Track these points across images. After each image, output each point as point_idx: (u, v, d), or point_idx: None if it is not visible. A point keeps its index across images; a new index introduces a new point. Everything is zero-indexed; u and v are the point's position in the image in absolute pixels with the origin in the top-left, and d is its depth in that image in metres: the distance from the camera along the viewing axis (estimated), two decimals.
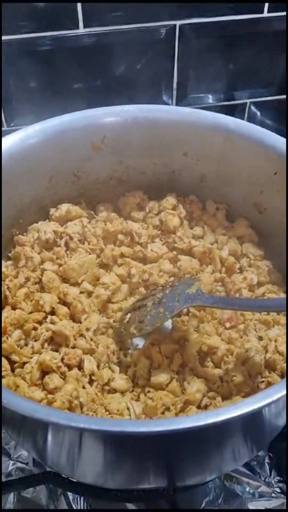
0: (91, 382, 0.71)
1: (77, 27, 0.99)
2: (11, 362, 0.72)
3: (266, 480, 0.77)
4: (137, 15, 1.00)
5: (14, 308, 0.76)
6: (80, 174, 0.87)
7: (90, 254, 0.84)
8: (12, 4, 0.93)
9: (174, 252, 0.86)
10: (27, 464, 0.79)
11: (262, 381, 0.68)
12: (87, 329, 0.75)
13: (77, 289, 0.81)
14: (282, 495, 0.75)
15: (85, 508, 0.73)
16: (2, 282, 0.77)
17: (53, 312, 0.78)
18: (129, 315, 0.75)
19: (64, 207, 0.86)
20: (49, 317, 0.77)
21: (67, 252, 0.83)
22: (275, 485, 0.77)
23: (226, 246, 0.85)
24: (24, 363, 0.72)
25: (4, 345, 0.71)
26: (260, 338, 0.73)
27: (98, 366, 0.72)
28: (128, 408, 0.68)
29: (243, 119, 1.17)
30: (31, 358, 0.72)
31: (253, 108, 1.21)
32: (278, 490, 0.76)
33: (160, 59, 1.07)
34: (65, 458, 0.60)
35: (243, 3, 1.03)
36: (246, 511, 0.74)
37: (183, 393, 0.69)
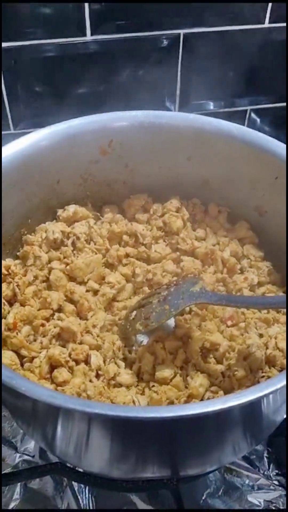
0: (97, 376, 0.73)
1: (85, 35, 1.02)
2: (20, 357, 0.74)
3: (265, 473, 0.80)
4: (143, 23, 1.03)
5: (23, 305, 0.79)
6: (87, 176, 0.89)
7: (96, 254, 0.86)
8: (22, 11, 0.96)
9: (177, 253, 0.89)
10: (33, 456, 0.81)
11: (263, 376, 0.70)
12: (94, 326, 0.77)
13: (83, 287, 0.83)
14: (280, 488, 0.78)
15: (90, 498, 0.76)
16: (12, 280, 0.80)
17: (60, 310, 0.80)
18: (134, 312, 0.77)
19: (72, 208, 0.88)
20: (56, 314, 0.79)
21: (74, 251, 0.86)
22: (273, 478, 0.80)
23: (227, 248, 0.88)
24: (33, 358, 0.74)
25: (14, 340, 0.73)
26: (261, 336, 0.76)
27: (104, 361, 0.75)
28: (133, 402, 0.70)
29: (243, 125, 1.20)
30: (40, 353, 0.75)
31: (253, 115, 1.24)
32: (277, 483, 0.79)
33: (164, 66, 1.10)
34: (73, 447, 0.62)
35: (245, 14, 1.06)
36: (244, 511, 0.77)
37: (186, 387, 0.71)
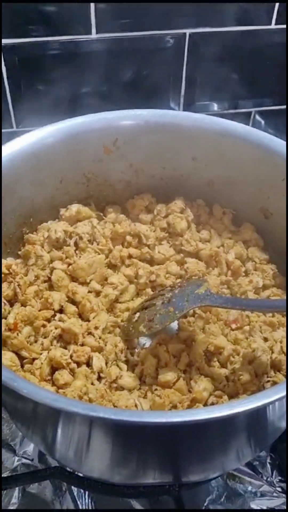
0: (99, 379, 0.72)
1: (90, 33, 1.01)
2: (21, 358, 0.73)
3: (268, 479, 0.79)
4: (148, 23, 1.02)
5: (24, 305, 0.77)
6: (91, 175, 0.88)
7: (99, 254, 0.85)
8: (27, 8, 0.95)
9: (181, 254, 0.88)
10: (32, 460, 0.80)
11: (268, 381, 0.69)
12: (96, 327, 0.76)
13: (85, 288, 0.82)
14: (283, 495, 0.77)
15: (89, 503, 0.74)
16: (13, 279, 0.78)
17: (61, 310, 0.79)
18: (138, 314, 0.76)
19: (74, 208, 0.87)
20: (58, 315, 0.78)
21: (77, 251, 0.84)
22: (276, 485, 0.78)
23: (232, 250, 0.87)
24: (34, 359, 0.73)
25: (14, 341, 0.72)
26: (266, 339, 0.74)
27: (106, 364, 0.74)
28: (136, 405, 0.69)
29: None
30: (41, 354, 0.73)
31: (257, 116, 1.23)
32: (280, 490, 0.78)
33: (169, 66, 1.09)
34: (74, 451, 0.61)
35: (252, 15, 1.06)
36: (248, 511, 0.75)
37: (190, 391, 0.70)
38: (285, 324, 0.77)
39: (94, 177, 0.89)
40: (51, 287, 0.81)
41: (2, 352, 0.71)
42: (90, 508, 0.74)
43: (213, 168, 0.88)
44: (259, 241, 0.88)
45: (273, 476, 0.79)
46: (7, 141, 0.78)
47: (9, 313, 0.75)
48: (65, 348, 0.74)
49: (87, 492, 0.74)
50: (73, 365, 0.72)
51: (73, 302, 0.80)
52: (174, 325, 0.78)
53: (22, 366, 0.73)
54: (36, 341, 0.75)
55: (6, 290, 0.77)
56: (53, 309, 0.78)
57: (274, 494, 0.77)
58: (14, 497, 0.75)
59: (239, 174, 0.86)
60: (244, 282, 0.83)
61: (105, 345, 0.75)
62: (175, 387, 0.70)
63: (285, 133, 1.18)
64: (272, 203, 0.85)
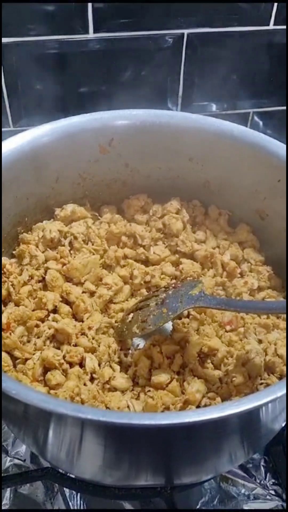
0: (92, 380, 0.72)
1: (87, 32, 1.01)
2: (13, 358, 0.73)
3: (261, 482, 0.78)
4: (146, 22, 1.02)
5: (17, 305, 0.77)
6: (86, 175, 0.88)
7: (93, 254, 0.84)
8: (24, 7, 0.95)
9: (176, 255, 0.87)
10: (24, 461, 0.79)
11: (262, 383, 0.69)
12: (89, 328, 0.76)
13: (80, 288, 0.81)
14: (276, 498, 0.76)
15: (81, 505, 0.74)
16: (7, 279, 0.78)
17: (55, 310, 0.79)
18: (131, 315, 0.76)
19: (69, 208, 0.87)
20: (52, 315, 0.77)
21: (71, 251, 0.84)
22: (270, 488, 0.78)
23: (227, 251, 0.87)
24: (26, 359, 0.73)
25: (7, 341, 0.71)
26: (260, 341, 0.74)
27: (99, 365, 0.73)
28: (128, 406, 0.68)
29: None
30: (33, 354, 0.73)
31: (256, 117, 1.23)
32: (273, 493, 0.77)
33: (166, 66, 1.09)
34: (65, 452, 0.61)
35: (250, 15, 1.05)
36: (242, 511, 0.75)
37: (183, 393, 0.70)
38: (280, 326, 0.76)
39: (89, 177, 0.88)
40: (45, 287, 0.81)
41: None
42: (81, 508, 0.73)
43: (210, 169, 0.87)
44: (255, 242, 0.88)
45: (267, 479, 0.78)
46: (3, 140, 0.78)
47: (2, 312, 0.74)
48: (58, 348, 0.74)
49: (79, 494, 0.74)
50: (66, 366, 0.71)
51: (67, 302, 0.80)
52: (169, 326, 0.78)
53: (14, 366, 0.72)
54: (29, 341, 0.75)
55: None
56: (47, 309, 0.78)
57: (268, 497, 0.76)
58: (5, 498, 0.75)
59: (236, 175, 0.85)
60: (240, 283, 0.82)
61: (99, 346, 0.75)
62: (168, 389, 0.70)
63: (283, 134, 1.18)
64: (268, 204, 0.84)
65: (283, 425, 0.67)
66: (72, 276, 0.81)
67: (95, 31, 1.01)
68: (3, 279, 0.78)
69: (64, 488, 0.74)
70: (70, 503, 0.74)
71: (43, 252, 0.83)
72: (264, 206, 0.85)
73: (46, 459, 0.68)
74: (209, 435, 0.54)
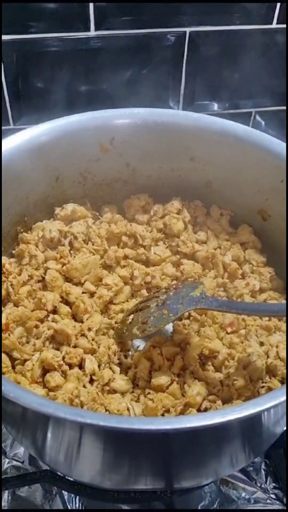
0: (91, 381, 0.71)
1: (88, 30, 1.00)
2: (12, 359, 0.72)
3: (262, 486, 0.77)
4: (148, 20, 1.01)
5: (16, 305, 0.76)
6: (87, 174, 0.87)
7: (94, 254, 0.84)
8: (24, 4, 0.94)
9: (177, 256, 0.87)
10: (22, 462, 0.79)
11: (263, 386, 0.68)
12: (89, 329, 0.75)
13: (79, 288, 0.81)
14: (277, 502, 0.75)
15: (80, 507, 0.73)
16: (6, 279, 0.77)
17: (55, 311, 0.78)
18: (131, 316, 0.75)
19: (70, 207, 0.86)
20: (51, 315, 0.77)
21: (71, 251, 0.83)
22: (270, 492, 0.77)
23: (229, 252, 0.86)
24: (25, 360, 0.72)
25: (6, 342, 0.71)
26: (261, 344, 0.73)
27: (99, 366, 0.72)
28: (128, 409, 0.67)
29: None
30: (33, 355, 0.72)
31: (258, 117, 1.22)
32: (274, 497, 0.76)
33: (168, 65, 1.08)
34: (64, 455, 0.60)
35: (253, 13, 1.04)
36: (244, 511, 0.74)
37: (183, 395, 0.69)
38: (282, 328, 0.75)
39: (90, 176, 0.88)
40: (44, 287, 0.80)
41: None
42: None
43: (211, 169, 0.87)
44: (256, 243, 0.87)
45: (267, 483, 0.78)
46: (4, 138, 0.77)
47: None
48: (58, 349, 0.73)
49: (77, 496, 0.73)
50: (65, 367, 0.70)
51: (67, 302, 0.79)
52: (169, 327, 0.77)
53: (13, 367, 0.72)
54: (28, 342, 0.74)
55: None
56: (47, 310, 0.77)
57: (268, 501, 0.76)
58: (3, 500, 0.74)
59: (238, 175, 0.85)
60: (241, 285, 0.81)
61: (98, 347, 0.74)
62: (168, 391, 0.69)
63: (285, 134, 1.17)
64: (270, 205, 0.83)
65: (285, 428, 0.66)
66: (72, 276, 0.81)
67: (96, 29, 1.00)
68: (3, 279, 0.77)
69: (63, 491, 0.73)
70: (68, 506, 0.73)
71: (42, 252, 0.82)
72: (267, 206, 0.84)
73: (45, 462, 0.67)
74: (210, 439, 0.53)
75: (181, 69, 1.09)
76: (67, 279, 0.81)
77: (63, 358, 0.71)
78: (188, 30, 1.04)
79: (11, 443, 0.80)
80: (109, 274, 0.83)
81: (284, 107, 1.19)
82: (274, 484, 0.78)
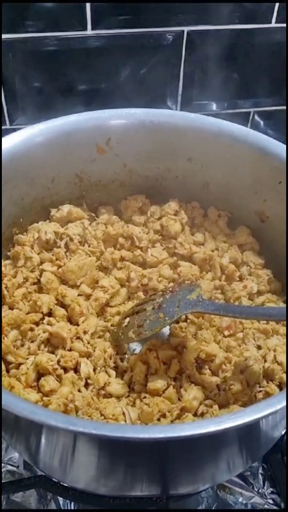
0: (86, 385, 0.70)
1: (85, 29, 0.99)
2: (6, 363, 0.71)
3: (260, 491, 0.76)
4: (146, 19, 1.00)
5: (11, 308, 0.75)
6: (83, 175, 0.86)
7: (90, 256, 0.83)
8: (21, 2, 0.93)
9: (174, 257, 0.86)
10: (17, 467, 0.78)
11: (260, 391, 0.67)
12: (85, 332, 0.74)
13: (75, 291, 0.80)
14: (274, 507, 0.74)
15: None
16: (1, 281, 0.76)
17: (50, 314, 0.77)
18: (127, 319, 0.74)
19: (66, 208, 0.85)
20: (46, 318, 0.76)
21: (67, 253, 0.82)
22: (268, 497, 0.76)
23: (226, 254, 0.85)
24: (20, 364, 0.71)
25: None
26: (259, 347, 0.72)
27: (94, 370, 0.72)
28: (123, 414, 0.67)
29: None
30: (27, 359, 0.71)
31: (256, 117, 1.21)
32: (271, 502, 0.76)
33: (166, 64, 1.07)
34: (58, 462, 0.59)
35: (252, 13, 1.03)
36: (244, 511, 0.73)
37: (179, 400, 0.68)
38: (280, 331, 0.74)
39: (86, 177, 0.87)
40: (40, 290, 0.79)
41: None
42: None
43: (209, 170, 0.86)
44: (254, 245, 0.86)
45: (265, 488, 0.77)
46: None
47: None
48: (53, 352, 0.72)
49: (72, 502, 0.72)
50: (60, 371, 0.69)
51: (62, 305, 0.78)
52: (166, 330, 0.76)
53: (7, 371, 0.71)
54: (22, 345, 0.74)
55: None
56: (42, 312, 0.76)
57: (266, 506, 0.75)
58: None
59: (236, 176, 0.84)
60: (239, 287, 0.81)
61: (94, 351, 0.73)
62: (164, 395, 0.68)
63: (284, 134, 1.16)
64: (268, 206, 0.82)
65: (283, 432, 0.66)
66: (68, 278, 0.80)
67: (93, 28, 0.99)
68: None
69: (58, 497, 0.72)
70: None
71: (38, 253, 0.81)
72: (265, 208, 0.83)
73: (39, 468, 0.66)
74: (206, 447, 0.52)
75: (179, 69, 1.08)
76: (63, 281, 0.80)
77: (58, 361, 0.70)
78: (186, 29, 1.03)
79: (6, 448, 0.79)
80: (105, 276, 0.83)
81: (284, 107, 1.18)
82: (271, 489, 0.77)
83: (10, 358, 0.71)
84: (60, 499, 0.73)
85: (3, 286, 0.76)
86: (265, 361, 0.69)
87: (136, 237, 0.86)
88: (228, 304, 0.77)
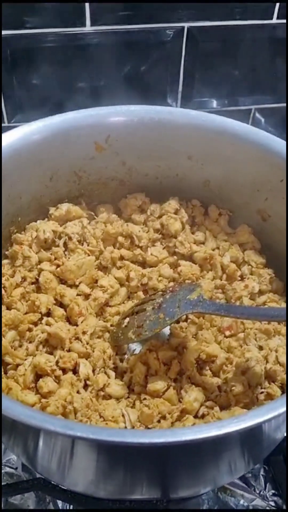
0: (85, 387, 0.69)
1: (84, 25, 0.98)
2: (4, 364, 0.70)
3: (261, 493, 0.76)
4: (145, 15, 0.99)
5: (9, 308, 0.74)
6: (82, 173, 0.85)
7: (89, 255, 0.82)
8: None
9: (175, 257, 0.85)
10: (16, 469, 0.77)
11: (262, 392, 0.66)
12: (84, 332, 0.73)
13: (74, 290, 0.79)
14: (276, 509, 0.73)
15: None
16: None
17: (49, 314, 0.76)
18: (127, 320, 0.73)
19: (64, 207, 0.84)
20: (45, 318, 0.75)
21: (66, 252, 0.81)
22: (269, 499, 0.75)
23: (227, 253, 0.84)
24: (18, 365, 0.70)
25: None
26: (261, 348, 0.71)
27: (93, 371, 0.71)
28: (123, 415, 0.66)
29: None
30: (25, 360, 0.70)
31: (257, 114, 1.20)
32: (273, 504, 0.75)
33: (166, 61, 1.06)
34: (56, 465, 0.58)
35: (253, 8, 1.02)
36: (244, 511, 0.72)
37: (180, 401, 0.67)
38: (281, 331, 0.73)
39: (85, 175, 0.85)
40: (38, 289, 0.78)
41: None
42: None
43: (210, 168, 0.84)
44: (256, 244, 0.85)
45: (266, 490, 0.76)
46: None
47: None
48: (51, 353, 0.71)
49: (71, 505, 0.71)
50: (59, 372, 0.68)
51: (61, 305, 0.77)
52: (166, 330, 0.75)
53: (5, 372, 0.70)
54: (20, 346, 0.73)
55: None
56: (40, 313, 0.75)
57: (267, 508, 0.74)
58: None
59: (237, 174, 0.83)
60: (240, 286, 0.79)
61: (93, 351, 0.72)
62: (164, 397, 0.67)
63: (285, 130, 1.15)
64: (270, 204, 0.81)
65: (286, 434, 0.65)
66: (66, 278, 0.79)
67: (92, 24, 0.98)
68: None
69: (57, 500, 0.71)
70: None
71: (36, 253, 0.80)
72: (266, 206, 0.82)
73: (37, 471, 0.65)
74: (207, 451, 0.51)
75: (179, 66, 1.07)
76: (62, 281, 0.79)
77: (57, 362, 0.69)
78: (186, 25, 1.02)
79: (4, 449, 0.78)
80: (104, 276, 0.82)
81: (284, 104, 1.17)
82: (273, 491, 0.76)
83: (8, 359, 0.70)
84: (59, 502, 0.72)
85: (1, 286, 0.75)
86: (267, 362, 0.68)
87: (136, 236, 0.85)
88: (230, 305, 0.76)
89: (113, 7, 0.96)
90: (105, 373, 0.71)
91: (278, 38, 1.07)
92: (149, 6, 0.98)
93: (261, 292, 0.80)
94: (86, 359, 0.71)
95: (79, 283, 0.79)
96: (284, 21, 1.05)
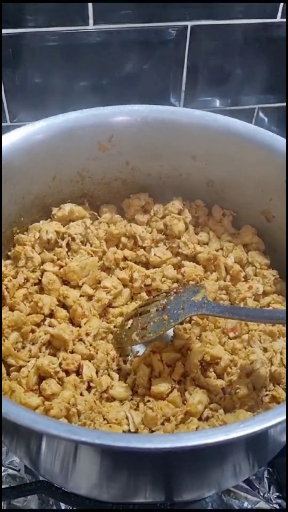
0: (89, 389, 0.69)
1: (87, 24, 0.97)
2: (7, 366, 0.70)
3: (265, 495, 0.75)
4: (148, 14, 0.98)
5: (12, 309, 0.74)
6: (85, 173, 0.84)
7: (92, 256, 0.81)
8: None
9: (178, 257, 0.84)
10: (19, 471, 0.76)
11: (267, 395, 0.66)
12: (87, 334, 0.73)
13: (77, 291, 0.78)
14: None
15: None
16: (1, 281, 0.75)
17: (52, 315, 0.76)
18: (131, 321, 0.72)
19: (67, 207, 0.83)
20: (48, 319, 0.74)
21: (69, 253, 0.81)
22: (273, 501, 0.75)
23: (231, 254, 0.83)
24: (21, 367, 0.69)
25: None
26: (265, 350, 0.71)
27: (97, 373, 0.70)
28: (127, 418, 0.65)
29: None
30: (28, 361, 0.70)
31: (261, 114, 1.19)
32: (277, 507, 0.74)
33: (169, 60, 1.05)
34: (59, 468, 0.58)
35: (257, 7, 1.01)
36: (246, 510, 0.72)
37: (184, 403, 0.67)
38: (286, 334, 0.73)
39: (88, 175, 0.85)
40: (41, 290, 0.78)
41: None
42: None
43: (214, 168, 0.84)
44: (260, 245, 0.84)
45: (270, 492, 0.75)
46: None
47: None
48: (54, 355, 0.71)
49: (75, 508, 0.71)
50: (62, 374, 0.68)
51: (64, 306, 0.77)
52: (170, 331, 0.74)
53: (8, 374, 0.69)
54: (23, 348, 0.72)
55: None
56: (43, 314, 0.75)
57: (271, 510, 0.73)
58: None
59: (241, 175, 0.82)
60: (244, 288, 0.79)
61: (96, 353, 0.71)
62: (168, 399, 0.67)
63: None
64: (274, 205, 0.81)
65: None
66: (69, 279, 0.78)
67: (95, 23, 0.97)
68: None
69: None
70: None
71: (39, 253, 0.80)
72: (270, 207, 0.81)
73: (39, 473, 0.65)
74: (212, 455, 0.51)
75: (182, 65, 1.06)
76: (65, 281, 0.79)
77: (60, 364, 0.69)
78: (189, 24, 1.01)
79: (7, 451, 0.77)
80: (107, 277, 0.81)
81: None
82: (277, 494, 0.75)
83: (10, 360, 0.69)
84: (62, 505, 0.72)
85: (4, 287, 0.74)
86: (272, 364, 0.68)
87: (139, 236, 0.84)
88: (234, 307, 0.76)
89: (116, 6, 0.96)
90: (109, 375, 0.71)
91: (282, 37, 1.07)
92: (152, 5, 0.97)
93: (265, 293, 0.79)
94: (90, 361, 0.71)
95: (82, 284, 0.79)
96: None
